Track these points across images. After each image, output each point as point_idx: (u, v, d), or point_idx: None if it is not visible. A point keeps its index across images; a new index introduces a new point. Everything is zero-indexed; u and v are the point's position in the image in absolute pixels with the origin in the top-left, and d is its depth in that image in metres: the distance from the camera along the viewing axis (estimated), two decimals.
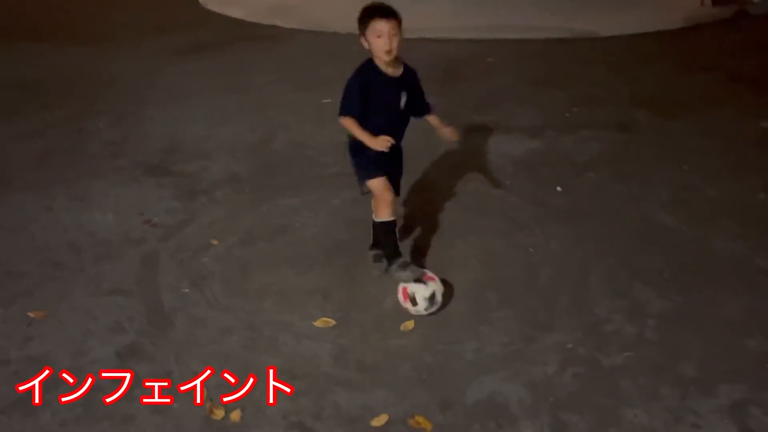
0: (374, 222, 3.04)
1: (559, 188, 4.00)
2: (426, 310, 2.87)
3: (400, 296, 2.91)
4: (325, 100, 5.18)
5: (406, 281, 2.88)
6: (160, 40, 7.38)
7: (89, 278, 3.19)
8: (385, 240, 3.02)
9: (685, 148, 4.54)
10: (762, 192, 3.92)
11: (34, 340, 2.79)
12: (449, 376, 2.61)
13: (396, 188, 3.06)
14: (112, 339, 2.79)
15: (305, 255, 3.35)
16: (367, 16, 2.79)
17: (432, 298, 2.86)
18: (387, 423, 2.39)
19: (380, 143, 2.75)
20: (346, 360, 2.69)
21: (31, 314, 2.93)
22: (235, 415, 2.42)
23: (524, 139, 4.70)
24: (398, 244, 3.01)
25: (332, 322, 2.89)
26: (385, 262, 3.03)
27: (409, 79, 2.94)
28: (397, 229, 3.02)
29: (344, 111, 2.80)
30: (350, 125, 2.81)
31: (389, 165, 2.97)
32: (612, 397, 2.50)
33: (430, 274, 2.94)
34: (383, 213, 2.93)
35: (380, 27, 2.75)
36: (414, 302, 2.86)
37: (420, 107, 3.05)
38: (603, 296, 3.04)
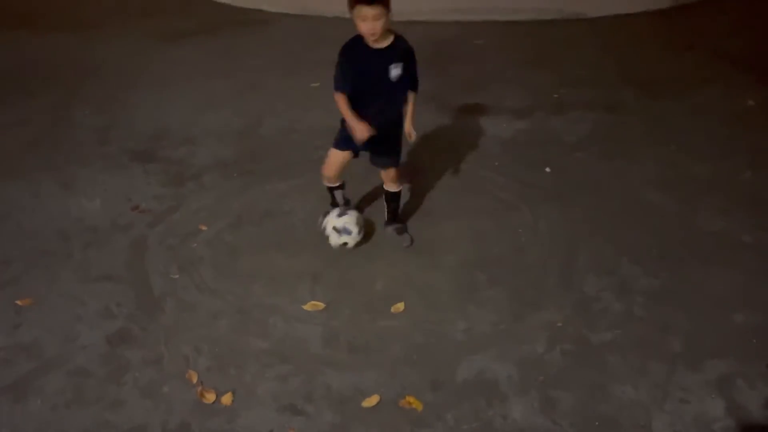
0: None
1: (547, 169, 4.00)
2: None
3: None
4: (313, 84, 5.14)
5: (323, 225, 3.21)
6: (145, 25, 7.29)
7: (77, 264, 3.17)
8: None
9: (673, 127, 4.55)
10: (748, 170, 3.94)
11: (22, 326, 2.78)
12: (439, 355, 2.62)
13: (387, 162, 3.15)
14: (101, 324, 2.78)
15: (294, 238, 3.35)
16: (354, 0, 2.78)
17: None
18: (378, 404, 2.41)
19: (359, 131, 2.87)
20: (336, 342, 2.70)
21: (18, 302, 2.91)
22: (227, 399, 2.43)
23: (513, 120, 4.69)
24: (335, 201, 3.36)
25: (321, 305, 2.89)
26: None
27: (400, 50, 2.92)
28: (340, 192, 3.35)
29: (335, 86, 2.93)
30: (339, 101, 2.92)
31: (367, 143, 3.02)
32: (601, 374, 2.52)
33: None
34: (324, 178, 3.26)
35: (365, 13, 2.76)
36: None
37: (411, 81, 3.03)
38: (591, 274, 3.06)
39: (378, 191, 3.49)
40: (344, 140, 3.05)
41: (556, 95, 5.12)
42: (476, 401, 2.41)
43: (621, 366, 2.56)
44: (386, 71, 2.90)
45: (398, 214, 3.38)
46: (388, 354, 2.64)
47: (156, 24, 7.31)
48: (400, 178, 3.26)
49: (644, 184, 3.81)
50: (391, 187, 3.28)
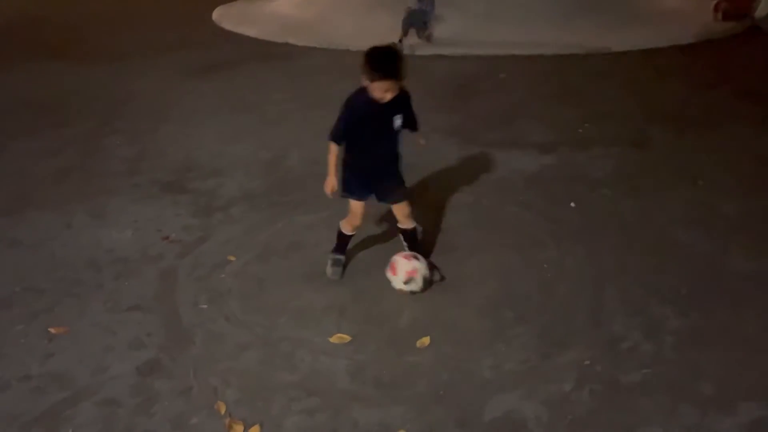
0: (339, 229, 3.34)
1: (572, 204, 4.01)
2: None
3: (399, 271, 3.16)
4: None
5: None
6: (175, 58, 7.49)
7: (108, 295, 3.22)
8: (337, 241, 3.36)
9: (699, 163, 4.54)
10: None
11: (54, 355, 2.82)
12: (466, 393, 2.61)
13: (394, 196, 3.21)
14: (131, 355, 2.81)
15: (320, 271, 3.37)
16: (378, 72, 2.83)
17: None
18: None
19: (327, 187, 3.06)
20: (362, 376, 2.70)
21: (52, 330, 2.96)
22: (254, 431, 2.43)
23: (537, 154, 4.71)
24: (344, 247, 3.38)
25: (348, 338, 2.90)
26: (340, 268, 3.37)
27: (401, 102, 3.01)
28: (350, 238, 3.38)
29: (331, 136, 3.06)
30: (330, 149, 3.05)
31: (369, 187, 3.16)
32: (630, 415, 2.49)
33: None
34: (346, 227, 3.31)
35: (388, 86, 2.86)
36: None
37: (410, 125, 3.14)
38: (619, 313, 3.03)
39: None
40: (352, 189, 3.15)
41: (580, 130, 5.14)
42: None
43: (651, 408, 2.52)
44: (390, 122, 3.01)
45: (419, 252, 3.34)
46: (415, 390, 2.63)
47: (186, 57, 7.51)
48: (413, 213, 3.26)
49: (672, 222, 3.79)
50: (406, 224, 3.28)
